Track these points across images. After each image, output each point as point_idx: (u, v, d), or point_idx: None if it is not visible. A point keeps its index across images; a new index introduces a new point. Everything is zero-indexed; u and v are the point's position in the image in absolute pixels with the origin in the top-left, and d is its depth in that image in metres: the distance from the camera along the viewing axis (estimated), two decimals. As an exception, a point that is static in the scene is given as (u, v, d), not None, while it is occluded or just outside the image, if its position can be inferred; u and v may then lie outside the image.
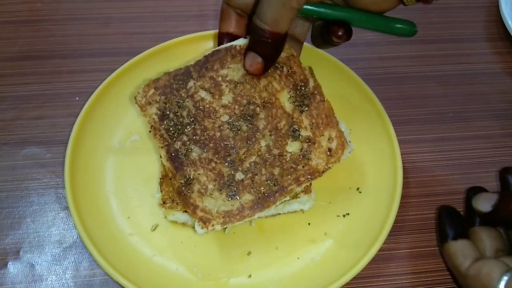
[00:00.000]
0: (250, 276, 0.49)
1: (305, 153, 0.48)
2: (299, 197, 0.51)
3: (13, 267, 0.49)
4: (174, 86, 0.51)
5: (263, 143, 0.49)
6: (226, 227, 0.51)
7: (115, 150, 0.57)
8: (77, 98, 0.62)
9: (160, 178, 0.52)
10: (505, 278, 0.43)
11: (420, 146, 0.61)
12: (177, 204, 0.50)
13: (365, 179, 0.55)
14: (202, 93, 0.51)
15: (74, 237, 0.52)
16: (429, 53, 0.70)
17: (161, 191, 0.51)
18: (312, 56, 0.60)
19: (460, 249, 0.47)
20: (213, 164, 0.48)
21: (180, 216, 0.51)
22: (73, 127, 0.55)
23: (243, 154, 0.48)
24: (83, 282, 0.49)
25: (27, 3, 0.73)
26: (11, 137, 0.59)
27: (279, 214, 0.53)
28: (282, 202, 0.50)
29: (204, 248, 0.51)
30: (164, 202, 0.50)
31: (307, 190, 0.51)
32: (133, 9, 0.74)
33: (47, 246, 0.51)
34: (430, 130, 0.62)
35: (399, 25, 0.47)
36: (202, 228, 0.46)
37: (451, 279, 0.51)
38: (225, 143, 0.49)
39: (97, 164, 0.55)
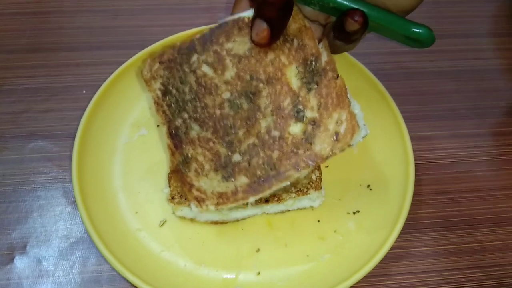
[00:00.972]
0: (259, 273, 0.48)
1: (309, 136, 0.44)
2: (309, 194, 0.50)
3: (20, 262, 0.49)
4: (178, 60, 0.48)
5: (263, 124, 0.45)
6: (226, 217, 0.51)
7: (123, 144, 0.56)
8: (84, 92, 0.61)
9: (169, 173, 0.51)
10: None
11: (433, 143, 0.60)
12: (185, 199, 0.49)
13: (376, 176, 0.54)
14: (205, 68, 0.47)
15: (82, 232, 0.51)
16: (442, 48, 0.69)
17: (170, 186, 0.50)
18: None
19: None
20: (211, 144, 0.46)
21: (189, 211, 0.50)
22: (80, 120, 0.54)
23: (242, 135, 0.46)
24: (90, 278, 0.48)
25: (34, -5, 0.72)
26: (19, 130, 0.58)
27: (289, 210, 0.52)
28: (291, 198, 0.50)
29: (212, 244, 0.50)
30: (172, 198, 0.49)
31: (317, 187, 0.50)
32: (142, 1, 0.73)
33: (54, 241, 0.50)
34: (443, 126, 0.61)
35: (416, 29, 0.42)
36: (197, 207, 0.44)
37: (463, 277, 0.50)
38: (225, 122, 0.46)
39: (105, 158, 0.55)
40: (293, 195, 0.50)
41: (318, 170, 0.51)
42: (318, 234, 0.51)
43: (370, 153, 0.56)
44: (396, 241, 0.48)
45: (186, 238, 0.50)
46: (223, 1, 0.74)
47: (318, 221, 0.52)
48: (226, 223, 0.51)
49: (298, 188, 0.50)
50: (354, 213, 0.52)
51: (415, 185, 0.51)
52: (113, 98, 0.58)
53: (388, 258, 0.48)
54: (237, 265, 0.49)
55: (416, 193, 0.51)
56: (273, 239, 0.51)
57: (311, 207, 0.52)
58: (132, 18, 0.71)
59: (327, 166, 0.54)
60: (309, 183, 0.50)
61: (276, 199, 0.50)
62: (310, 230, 0.51)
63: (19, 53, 0.66)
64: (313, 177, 0.51)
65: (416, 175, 0.52)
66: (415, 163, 0.53)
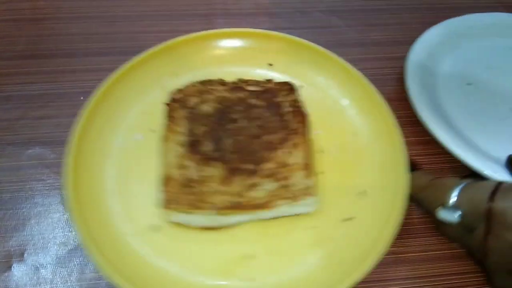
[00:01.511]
0: (253, 280, 0.48)
1: None
2: (303, 200, 0.50)
3: (17, 270, 0.49)
4: None
5: None
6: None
7: (118, 149, 0.56)
8: (82, 98, 0.61)
9: (163, 178, 0.51)
10: (461, 185, 0.45)
11: (428, 148, 0.60)
12: (181, 205, 0.49)
13: (371, 182, 0.54)
14: None
15: (79, 239, 0.51)
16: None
17: (164, 192, 0.50)
18: (316, 56, 0.60)
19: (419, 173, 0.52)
20: None
21: (184, 217, 0.50)
22: (75, 125, 0.54)
23: None
24: (89, 285, 0.48)
25: (30, 1, 0.72)
26: (16, 137, 0.58)
27: (283, 216, 0.51)
28: (286, 204, 0.50)
29: (206, 250, 0.50)
30: (167, 203, 0.49)
31: (311, 193, 0.50)
32: (139, 7, 0.74)
33: (52, 248, 0.50)
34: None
35: None
36: None
37: (457, 283, 0.50)
38: None
39: (99, 162, 0.54)
40: (288, 201, 0.50)
41: (313, 176, 0.51)
42: (313, 240, 0.51)
43: (365, 158, 0.56)
44: (392, 246, 0.48)
45: (180, 244, 0.50)
46: (221, 7, 0.74)
47: (313, 227, 0.51)
48: (220, 229, 0.51)
49: (293, 194, 0.50)
50: (348, 220, 0.52)
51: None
52: (109, 103, 0.57)
53: (383, 264, 0.48)
54: (231, 271, 0.49)
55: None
56: (267, 245, 0.50)
57: (305, 213, 0.51)
58: (129, 24, 0.71)
59: (323, 173, 0.55)
60: (303, 189, 0.50)
61: (270, 205, 0.49)
62: (304, 237, 0.51)
63: (15, 59, 0.66)
64: (308, 183, 0.51)
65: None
66: (410, 168, 0.53)
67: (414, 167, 0.53)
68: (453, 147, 0.56)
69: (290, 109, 0.56)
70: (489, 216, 0.42)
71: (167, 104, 0.57)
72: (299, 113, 0.56)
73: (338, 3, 0.78)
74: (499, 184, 0.44)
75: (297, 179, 0.51)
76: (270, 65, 0.64)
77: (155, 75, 0.61)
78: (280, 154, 0.53)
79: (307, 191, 0.50)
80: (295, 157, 0.52)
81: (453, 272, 0.51)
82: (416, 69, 0.64)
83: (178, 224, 0.51)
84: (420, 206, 0.53)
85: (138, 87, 0.60)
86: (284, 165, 0.52)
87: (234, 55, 0.64)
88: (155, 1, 0.75)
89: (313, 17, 0.76)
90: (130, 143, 0.57)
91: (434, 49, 0.68)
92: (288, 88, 0.59)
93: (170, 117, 0.56)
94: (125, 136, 0.57)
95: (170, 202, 0.49)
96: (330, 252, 0.50)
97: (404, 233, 0.51)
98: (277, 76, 0.63)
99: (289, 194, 0.50)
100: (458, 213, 0.44)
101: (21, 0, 0.72)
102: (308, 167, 0.52)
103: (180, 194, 0.50)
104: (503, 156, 0.56)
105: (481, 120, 0.62)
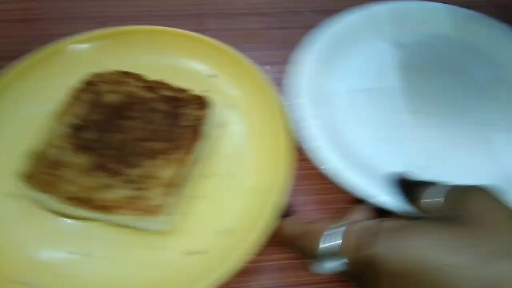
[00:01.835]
0: (75, 278, 0.45)
1: None
2: (152, 216, 0.46)
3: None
4: None
5: None
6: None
7: (30, 116, 0.56)
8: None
9: (33, 153, 0.50)
10: (331, 231, 0.41)
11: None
12: (36, 183, 0.48)
13: (238, 220, 0.50)
14: None
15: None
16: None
17: (28, 166, 0.49)
18: (250, 80, 0.60)
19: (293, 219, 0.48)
20: None
21: (38, 196, 0.48)
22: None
23: None
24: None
25: (21, 2, 0.73)
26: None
27: (135, 227, 0.48)
28: (133, 215, 0.47)
29: (42, 235, 0.48)
30: (26, 177, 0.48)
31: (164, 212, 0.46)
32: (130, 8, 0.74)
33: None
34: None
35: None
36: None
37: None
38: None
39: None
40: (135, 212, 0.46)
41: (173, 195, 0.48)
42: (152, 261, 0.47)
43: (247, 196, 0.52)
44: (263, 254, 0.48)
45: (22, 220, 0.49)
46: (212, 8, 0.74)
47: (158, 248, 0.48)
48: (73, 218, 0.49)
49: (144, 207, 0.47)
50: (198, 252, 0.47)
51: (295, 195, 0.52)
52: (35, 72, 0.60)
53: (245, 272, 0.46)
54: (50, 262, 0.46)
55: (298, 204, 0.51)
56: (103, 250, 0.48)
57: (156, 231, 0.48)
58: (120, 25, 0.70)
59: (202, 197, 0.52)
60: (156, 206, 0.47)
61: (116, 211, 0.47)
62: (145, 255, 0.48)
63: (6, 60, 0.66)
64: (164, 201, 0.47)
65: (300, 184, 0.52)
66: (297, 173, 0.52)
67: (290, 212, 0.50)
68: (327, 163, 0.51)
69: (190, 124, 0.53)
70: (373, 262, 0.37)
71: (78, 85, 0.57)
72: (195, 130, 0.53)
73: (330, 3, 0.78)
74: (380, 224, 0.40)
75: (155, 194, 0.48)
76: (214, 76, 0.61)
77: (97, 56, 0.62)
78: (153, 165, 0.50)
79: (159, 209, 0.47)
80: (165, 172, 0.49)
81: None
82: (304, 72, 0.59)
83: (36, 201, 0.49)
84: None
85: (74, 63, 0.61)
86: (151, 176, 0.49)
87: (181, 56, 0.63)
88: (146, 1, 0.74)
89: (305, 17, 0.76)
90: (40, 111, 0.56)
91: (328, 49, 0.63)
92: (200, 103, 0.55)
93: (74, 97, 0.55)
94: (40, 104, 0.57)
95: (29, 177, 0.48)
96: (164, 278, 0.46)
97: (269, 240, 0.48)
98: (216, 89, 0.60)
99: (139, 206, 0.47)
100: (334, 263, 0.40)
101: (13, 1, 0.72)
102: (171, 185, 0.48)
103: (42, 173, 0.49)
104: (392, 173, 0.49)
105: (374, 131, 0.56)
